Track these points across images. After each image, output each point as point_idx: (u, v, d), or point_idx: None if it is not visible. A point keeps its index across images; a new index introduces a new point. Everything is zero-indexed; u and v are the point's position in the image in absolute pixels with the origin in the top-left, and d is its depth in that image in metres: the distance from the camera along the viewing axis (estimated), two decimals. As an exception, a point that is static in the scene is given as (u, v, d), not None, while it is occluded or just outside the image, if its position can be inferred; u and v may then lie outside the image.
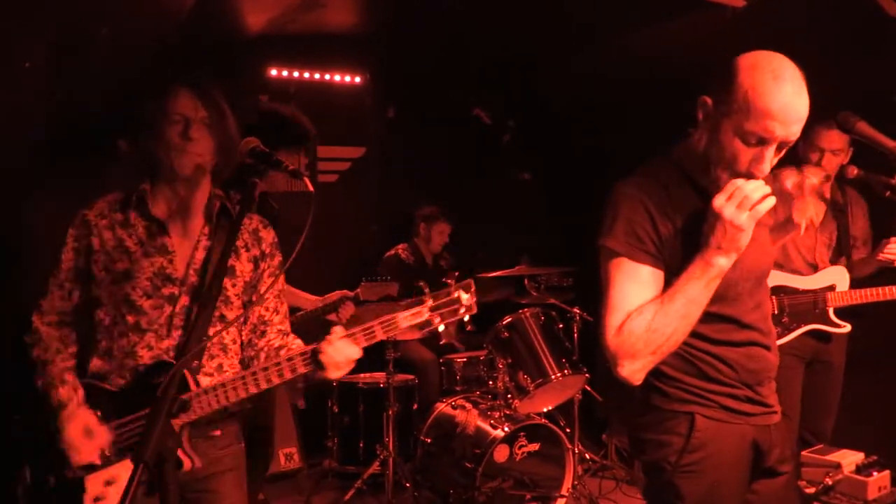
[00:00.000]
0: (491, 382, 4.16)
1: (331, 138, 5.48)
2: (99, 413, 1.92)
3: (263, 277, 2.10)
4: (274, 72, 5.17)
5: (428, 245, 5.30)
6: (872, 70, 3.57)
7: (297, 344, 2.08)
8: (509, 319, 4.14)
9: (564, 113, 5.62)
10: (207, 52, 4.19)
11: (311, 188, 1.67)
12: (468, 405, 4.08)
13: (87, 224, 2.00)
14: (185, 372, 1.88)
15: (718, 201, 1.63)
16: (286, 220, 2.81)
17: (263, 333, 2.11)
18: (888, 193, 2.42)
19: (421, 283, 1.97)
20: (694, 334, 1.76)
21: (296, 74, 5.26)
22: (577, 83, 5.25)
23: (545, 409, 4.27)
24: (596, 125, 5.38)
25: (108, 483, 1.86)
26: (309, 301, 3.65)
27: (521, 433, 3.82)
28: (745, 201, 1.61)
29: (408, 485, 4.10)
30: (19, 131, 3.55)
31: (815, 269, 3.34)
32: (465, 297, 1.92)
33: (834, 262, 3.38)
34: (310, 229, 2.03)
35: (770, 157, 1.66)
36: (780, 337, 3.26)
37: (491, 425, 3.83)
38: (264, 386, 1.87)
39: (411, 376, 4.54)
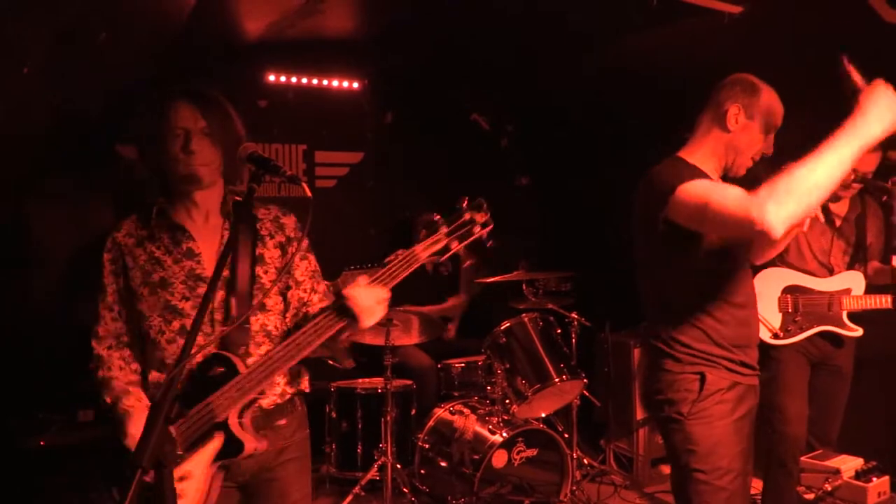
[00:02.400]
0: (489, 387, 4.16)
1: (329, 143, 5.49)
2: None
3: (296, 261, 2.16)
4: (272, 77, 5.17)
5: (427, 251, 5.28)
6: (869, 75, 3.57)
7: None
8: (507, 324, 4.14)
9: (562, 118, 5.63)
10: (206, 57, 4.20)
11: (308, 193, 1.67)
12: (466, 410, 4.08)
13: (118, 246, 2.08)
14: (234, 357, 1.94)
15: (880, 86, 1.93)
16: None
17: (306, 316, 2.15)
18: (885, 198, 2.45)
19: (434, 215, 1.97)
20: (703, 295, 2.18)
21: (294, 80, 5.26)
22: (575, 88, 5.26)
23: (543, 415, 4.27)
24: (594, 130, 5.39)
25: (181, 479, 1.89)
26: None
27: (520, 438, 3.81)
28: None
29: (406, 490, 4.09)
30: (18, 135, 3.55)
31: (830, 271, 3.36)
32: (478, 216, 1.94)
33: (850, 268, 3.39)
34: (308, 234, 2.04)
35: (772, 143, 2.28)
36: (791, 335, 3.29)
37: (489, 430, 3.83)
38: (306, 350, 1.91)
39: (409, 381, 4.53)
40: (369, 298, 1.88)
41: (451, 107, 5.76)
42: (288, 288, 2.16)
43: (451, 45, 4.78)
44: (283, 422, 2.12)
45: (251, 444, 1.95)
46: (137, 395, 2.02)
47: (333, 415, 4.41)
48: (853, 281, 3.34)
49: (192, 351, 1.59)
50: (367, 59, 5.26)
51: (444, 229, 1.94)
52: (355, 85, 5.50)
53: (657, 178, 2.17)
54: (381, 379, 4.20)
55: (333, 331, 1.91)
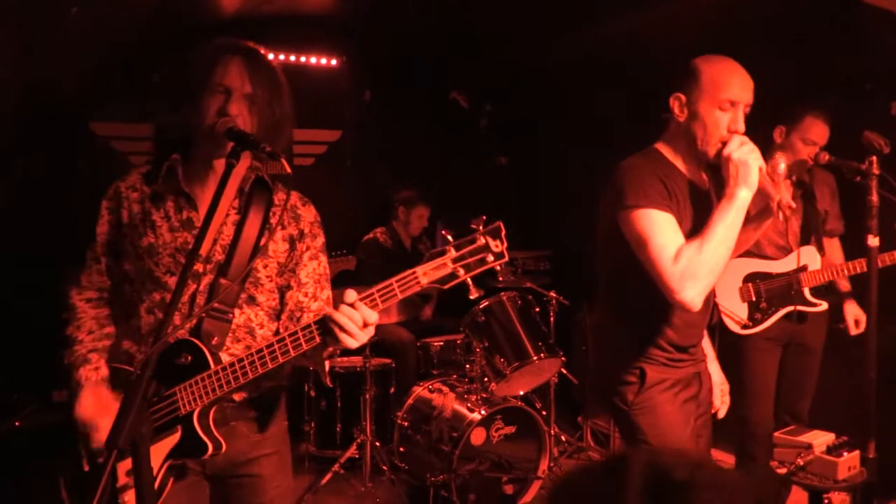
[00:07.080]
0: (468, 366, 4.17)
1: (307, 121, 5.44)
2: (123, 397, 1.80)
3: (303, 261, 1.97)
4: (249, 54, 5.10)
5: (406, 229, 5.29)
6: (846, 55, 3.60)
7: None
8: (486, 303, 4.15)
9: (542, 99, 5.62)
10: (181, 32, 4.12)
11: (288, 170, 1.60)
12: (445, 388, 4.09)
13: (118, 196, 1.91)
14: (206, 350, 1.76)
15: (727, 150, 2.03)
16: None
17: (300, 320, 1.95)
18: (858, 178, 2.46)
19: (445, 233, 1.74)
20: (660, 300, 2.08)
21: (271, 56, 5.18)
22: (554, 70, 5.25)
23: (521, 393, 4.30)
24: (573, 111, 5.39)
25: (129, 473, 1.74)
26: None
27: (498, 416, 3.84)
28: (745, 145, 2.03)
29: (385, 468, 4.12)
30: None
31: (787, 252, 3.37)
32: (493, 244, 1.68)
33: (805, 242, 3.40)
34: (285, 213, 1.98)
35: (742, 118, 2.10)
36: (760, 323, 3.31)
37: (468, 408, 3.85)
38: (281, 359, 1.72)
39: (388, 360, 4.54)
40: (355, 320, 1.66)
41: (431, 85, 5.73)
42: (288, 287, 1.97)
43: (430, 22, 4.74)
44: (256, 413, 1.93)
45: (212, 446, 1.78)
46: (97, 363, 1.87)
47: (312, 393, 4.41)
48: (808, 257, 3.36)
49: (168, 331, 1.53)
50: (346, 37, 5.21)
51: (451, 253, 1.68)
52: (333, 62, 5.45)
53: (622, 181, 2.11)
54: (359, 357, 4.21)
55: (308, 347, 1.72)
